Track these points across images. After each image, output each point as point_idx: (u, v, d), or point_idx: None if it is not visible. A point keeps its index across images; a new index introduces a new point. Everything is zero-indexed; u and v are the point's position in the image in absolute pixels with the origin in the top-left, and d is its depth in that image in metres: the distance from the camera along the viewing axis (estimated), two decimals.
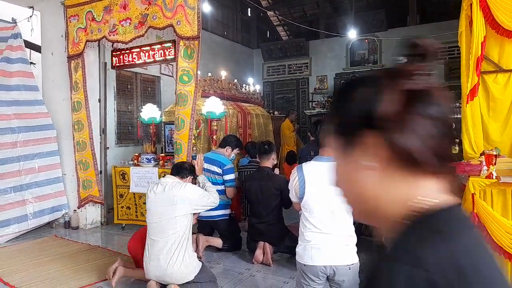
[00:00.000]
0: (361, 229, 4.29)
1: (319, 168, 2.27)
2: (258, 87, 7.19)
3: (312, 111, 7.62)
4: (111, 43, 4.72)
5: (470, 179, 2.24)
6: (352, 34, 8.16)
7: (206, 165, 3.70)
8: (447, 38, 8.51)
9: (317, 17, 10.32)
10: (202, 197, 2.95)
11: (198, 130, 4.95)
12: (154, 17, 4.10)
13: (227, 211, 3.77)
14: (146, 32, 4.18)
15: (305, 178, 2.28)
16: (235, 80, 6.58)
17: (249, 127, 6.32)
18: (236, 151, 3.93)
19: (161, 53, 4.36)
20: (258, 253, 3.53)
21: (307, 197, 2.26)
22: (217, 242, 3.72)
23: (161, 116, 5.57)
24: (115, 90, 6.32)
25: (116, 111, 6.32)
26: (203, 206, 2.96)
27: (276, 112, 9.03)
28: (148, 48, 4.60)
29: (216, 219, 3.68)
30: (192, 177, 3.06)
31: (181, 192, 2.79)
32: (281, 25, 11.73)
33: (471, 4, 2.61)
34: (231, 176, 3.70)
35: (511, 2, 2.53)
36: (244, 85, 6.83)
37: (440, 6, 10.04)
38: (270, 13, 11.15)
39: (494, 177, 2.17)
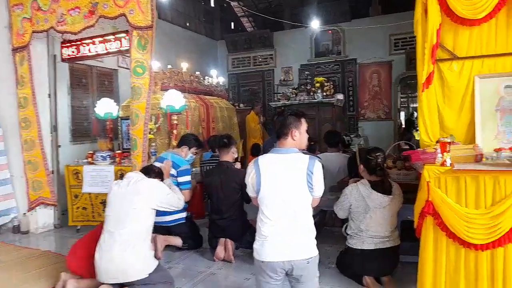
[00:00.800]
0: (324, 220, 4.31)
1: (275, 160, 2.18)
2: (221, 79, 7.02)
3: (277, 103, 7.54)
4: (61, 34, 4.41)
5: (425, 167, 2.23)
6: (316, 24, 8.13)
7: (160, 166, 3.51)
8: (407, 28, 8.69)
9: (282, 8, 10.23)
10: (167, 195, 2.86)
11: (156, 125, 4.74)
12: (105, 6, 3.84)
13: (183, 215, 3.59)
14: (96, 21, 3.92)
15: (260, 172, 2.18)
16: (197, 73, 6.38)
17: (213, 121, 6.17)
18: (194, 150, 3.74)
19: (116, 44, 4.11)
20: (219, 250, 3.42)
21: (263, 191, 2.17)
22: (177, 241, 3.58)
23: (119, 111, 5.31)
24: (69, 84, 5.95)
25: (70, 106, 5.97)
26: (167, 205, 2.84)
27: (241, 105, 8.90)
28: (101, 39, 4.32)
29: (171, 224, 3.52)
30: (160, 180, 2.96)
31: (146, 184, 2.74)
32: (245, 16, 11.57)
33: None
34: (186, 178, 3.52)
35: None
36: (206, 77, 6.64)
37: None
38: (234, 3, 10.94)
39: (448, 164, 2.16)
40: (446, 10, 2.57)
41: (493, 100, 2.62)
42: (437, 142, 2.36)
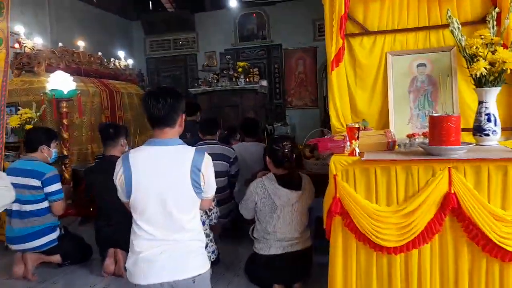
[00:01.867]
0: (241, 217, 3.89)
1: (151, 155, 1.66)
2: (130, 62, 6.24)
3: (197, 89, 6.98)
4: None
5: (332, 158, 1.87)
6: (234, 4, 7.63)
7: (16, 180, 2.69)
8: None
9: None
10: None
11: (38, 113, 3.92)
12: None
13: (53, 236, 2.88)
14: None
15: (132, 170, 1.65)
16: (99, 53, 5.54)
17: (119, 108, 5.41)
18: (54, 144, 3.02)
19: None
20: (109, 263, 2.83)
21: (135, 194, 1.64)
22: (55, 258, 2.90)
23: None
24: None
25: None
26: None
27: None
28: None
29: (43, 249, 2.83)
30: None
31: None
32: None
33: None
34: (56, 186, 2.81)
35: None
36: (112, 59, 5.82)
37: None
38: None
39: (357, 154, 1.83)
40: None
41: (406, 80, 2.36)
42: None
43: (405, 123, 2.32)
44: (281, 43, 8.79)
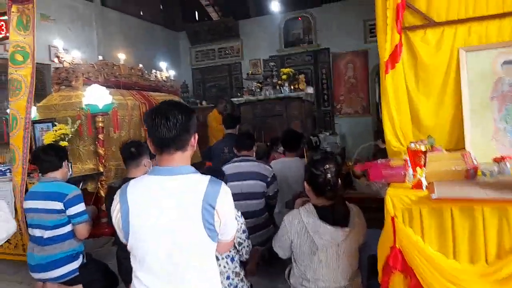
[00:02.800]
0: None
1: (153, 186, 1.32)
2: (172, 73, 6.10)
3: (240, 99, 6.68)
4: None
5: (388, 192, 1.39)
6: (276, 8, 7.25)
7: (37, 204, 2.50)
8: None
9: None
10: None
11: (73, 129, 3.82)
12: None
13: (75, 265, 2.63)
14: None
15: (129, 207, 1.31)
16: (141, 65, 5.45)
17: None
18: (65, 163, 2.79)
19: None
20: None
21: (132, 238, 1.31)
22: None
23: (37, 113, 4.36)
24: None
25: None
26: None
27: (204, 102, 8.01)
28: None
29: (62, 280, 2.59)
30: None
31: None
32: (210, 4, 10.62)
33: None
34: (79, 208, 2.53)
35: None
36: (154, 71, 5.72)
37: None
38: None
39: (424, 188, 1.33)
40: None
41: (487, 84, 1.80)
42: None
43: (487, 141, 1.76)
44: (329, 47, 8.27)
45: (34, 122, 4.16)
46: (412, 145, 1.39)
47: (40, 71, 5.87)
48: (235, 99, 6.86)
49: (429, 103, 1.89)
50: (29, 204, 2.59)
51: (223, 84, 9.25)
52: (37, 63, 5.82)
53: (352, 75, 8.14)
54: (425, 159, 1.36)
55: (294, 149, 3.64)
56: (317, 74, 8.42)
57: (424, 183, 1.35)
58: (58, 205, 2.50)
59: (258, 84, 6.67)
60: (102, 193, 3.96)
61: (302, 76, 6.82)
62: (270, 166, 3.25)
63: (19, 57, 2.71)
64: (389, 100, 1.83)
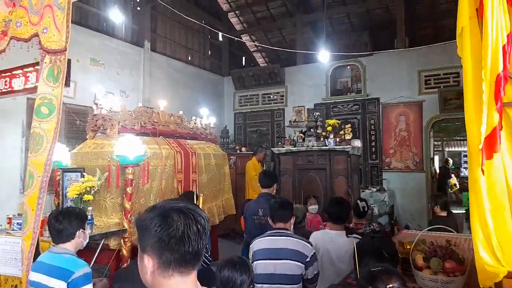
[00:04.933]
0: None
1: None
2: (213, 120, 5.90)
3: (281, 149, 6.30)
4: None
5: None
6: (326, 57, 6.96)
7: (38, 278, 2.21)
8: (440, 63, 7.39)
9: (295, 42, 9.22)
10: None
11: (100, 181, 3.59)
12: (19, 24, 2.85)
13: None
14: (8, 45, 2.92)
15: None
16: (181, 112, 5.29)
17: (193, 171, 4.97)
18: (86, 224, 2.45)
19: (20, 80, 3.05)
20: None
21: None
22: None
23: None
24: (24, 123, 5.02)
25: (24, 150, 4.98)
26: None
27: (243, 149, 7.72)
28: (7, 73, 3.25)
29: None
30: None
31: None
32: (258, 51, 10.68)
33: None
34: None
35: None
36: (194, 118, 5.54)
37: (432, 30, 9.00)
38: (245, 37, 10.11)
39: None
40: None
41: None
42: None
43: None
44: (378, 96, 7.78)
45: (64, 170, 4.02)
46: None
47: (85, 113, 5.91)
48: (275, 148, 6.50)
49: None
50: (33, 276, 2.27)
51: (265, 130, 8.98)
52: (83, 105, 5.97)
53: (404, 128, 7.53)
54: None
55: (341, 220, 3.13)
56: (364, 125, 7.91)
57: None
58: (62, 285, 2.16)
59: (301, 135, 6.28)
60: (125, 253, 3.63)
61: (348, 126, 6.36)
62: (311, 244, 2.75)
63: (45, 110, 2.53)
64: (482, 201, 1.32)
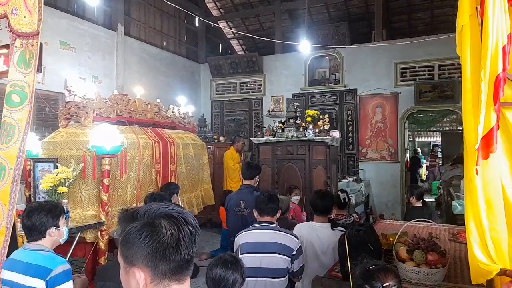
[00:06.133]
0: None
1: None
2: (191, 109, 5.76)
3: (260, 139, 6.26)
4: None
5: None
6: (307, 48, 6.93)
7: (14, 277, 2.06)
8: (416, 56, 7.54)
9: (274, 30, 9.12)
10: None
11: (75, 172, 3.42)
12: None
13: None
14: None
15: None
16: (158, 100, 5.12)
17: (172, 161, 4.85)
18: (63, 221, 2.32)
19: None
20: None
21: None
22: None
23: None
24: None
25: None
26: None
27: (221, 138, 7.62)
28: None
29: None
30: None
31: None
32: (235, 38, 10.50)
33: None
34: (67, 286, 2.11)
35: None
36: (171, 106, 5.38)
37: (410, 23, 9.14)
38: (222, 23, 9.90)
39: None
40: None
41: None
42: None
43: None
44: (356, 88, 7.86)
45: (36, 160, 3.81)
46: None
47: (55, 100, 5.62)
48: (255, 138, 6.45)
49: None
50: (6, 275, 2.13)
51: (242, 119, 8.90)
52: (52, 91, 5.66)
53: (380, 119, 7.67)
54: None
55: (325, 212, 3.14)
56: (342, 115, 8.00)
57: None
58: (40, 284, 2.03)
59: (280, 125, 6.26)
60: (102, 246, 3.51)
61: (326, 116, 6.39)
62: (297, 237, 2.74)
63: (16, 98, 2.34)
64: (477, 200, 1.33)
